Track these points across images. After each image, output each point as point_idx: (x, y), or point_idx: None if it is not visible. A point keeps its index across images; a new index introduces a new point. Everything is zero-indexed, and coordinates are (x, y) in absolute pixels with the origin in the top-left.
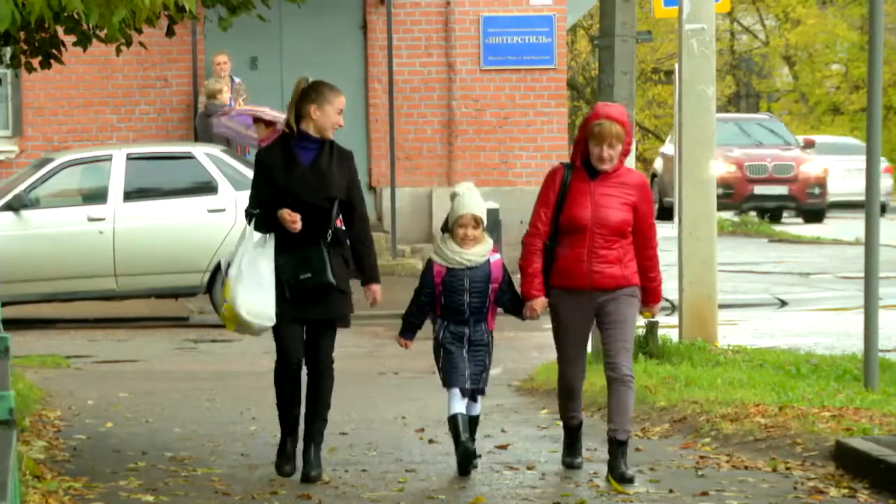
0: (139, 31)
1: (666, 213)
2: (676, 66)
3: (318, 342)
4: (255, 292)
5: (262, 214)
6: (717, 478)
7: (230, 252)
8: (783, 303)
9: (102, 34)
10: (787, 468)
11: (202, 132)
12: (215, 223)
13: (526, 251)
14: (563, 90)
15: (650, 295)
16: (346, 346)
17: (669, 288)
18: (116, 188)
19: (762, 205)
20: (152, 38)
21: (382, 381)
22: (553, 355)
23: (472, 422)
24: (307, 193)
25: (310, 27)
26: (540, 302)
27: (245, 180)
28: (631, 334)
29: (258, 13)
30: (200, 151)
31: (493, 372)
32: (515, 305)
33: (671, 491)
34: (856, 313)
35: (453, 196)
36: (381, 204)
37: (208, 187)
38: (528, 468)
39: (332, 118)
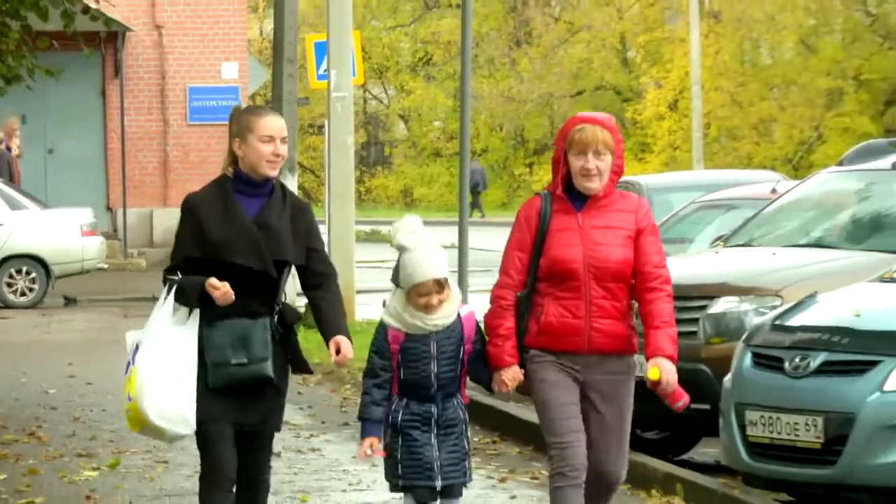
0: None
1: None
2: (326, 122)
3: (252, 450)
4: (170, 388)
5: (184, 283)
6: (355, 412)
7: (140, 330)
8: None
9: None
10: None
11: None
12: None
13: (495, 306)
14: None
15: (657, 343)
16: (87, 323)
17: None
18: None
19: None
20: None
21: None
22: None
23: None
24: (249, 255)
25: (64, 92)
26: (511, 373)
27: (17, 202)
28: (628, 428)
29: (27, 84)
30: None
31: None
32: (486, 376)
33: (323, 422)
34: None
35: (401, 250)
36: (116, 220)
37: None
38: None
39: (258, 150)
